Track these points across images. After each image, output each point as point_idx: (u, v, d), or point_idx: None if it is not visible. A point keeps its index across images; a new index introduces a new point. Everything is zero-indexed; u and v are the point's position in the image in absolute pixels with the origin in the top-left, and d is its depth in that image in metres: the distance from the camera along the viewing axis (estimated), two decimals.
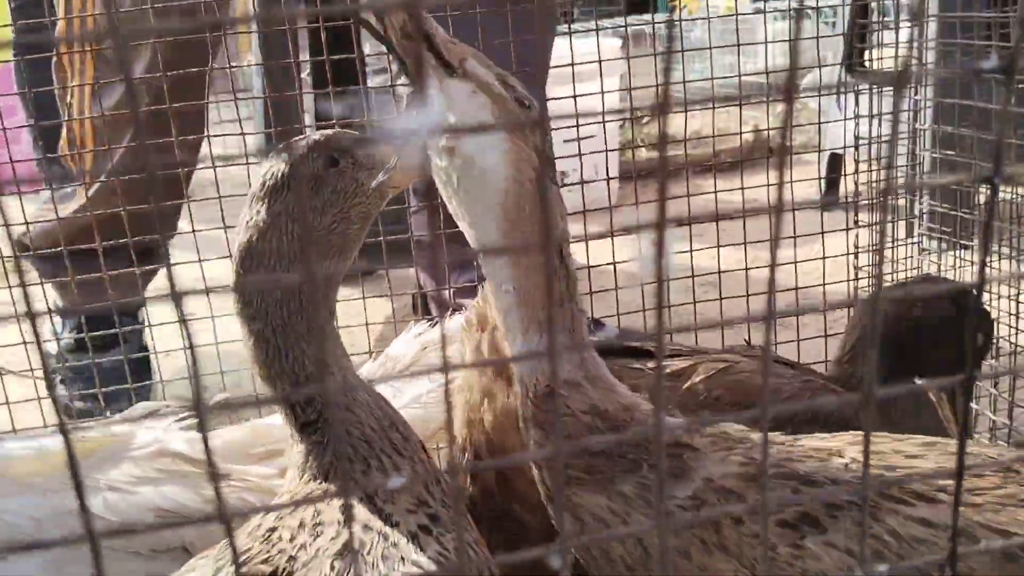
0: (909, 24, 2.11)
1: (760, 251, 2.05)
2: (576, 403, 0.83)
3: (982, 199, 1.96)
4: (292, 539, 0.81)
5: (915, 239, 2.19)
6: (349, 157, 0.86)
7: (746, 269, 1.92)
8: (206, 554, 0.85)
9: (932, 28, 2.05)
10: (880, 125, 1.97)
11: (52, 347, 2.02)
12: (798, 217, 1.85)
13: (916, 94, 2.03)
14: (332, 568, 0.76)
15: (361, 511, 0.82)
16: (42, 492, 1.03)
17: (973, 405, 1.76)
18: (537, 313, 0.82)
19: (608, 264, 1.93)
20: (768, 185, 2.02)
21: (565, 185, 2.38)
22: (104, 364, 1.67)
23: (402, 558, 0.78)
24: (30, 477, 1.06)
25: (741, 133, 2.35)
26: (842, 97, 2.24)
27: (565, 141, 2.10)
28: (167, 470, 1.08)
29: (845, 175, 2.43)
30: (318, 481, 0.86)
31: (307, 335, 0.85)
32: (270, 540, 0.82)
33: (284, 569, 0.79)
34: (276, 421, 1.18)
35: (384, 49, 0.88)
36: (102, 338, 1.76)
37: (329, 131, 0.90)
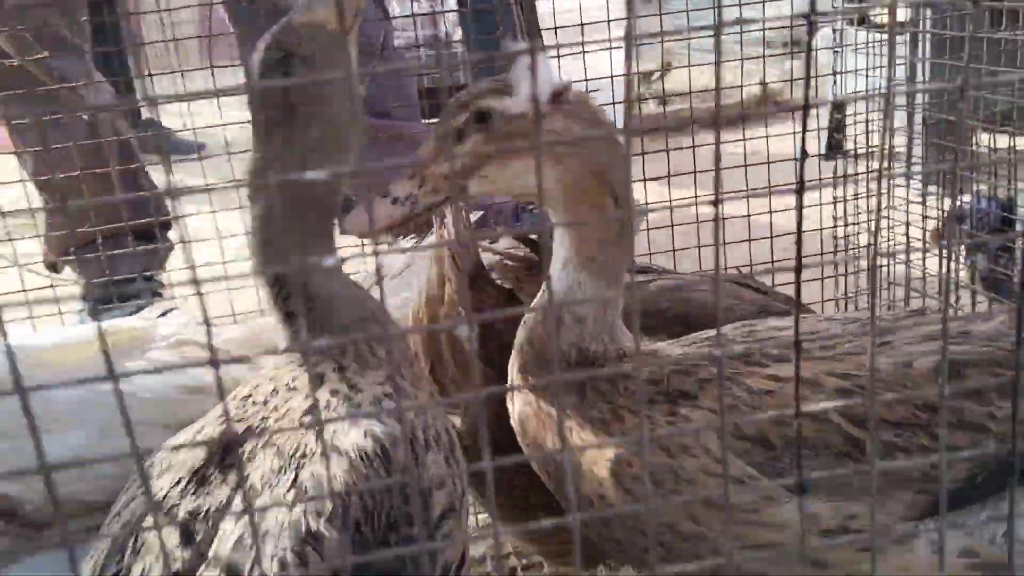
0: None
1: (759, 200, 2.12)
2: (566, 336, 0.94)
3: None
4: (266, 402, 0.92)
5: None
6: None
7: (747, 216, 2.00)
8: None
9: None
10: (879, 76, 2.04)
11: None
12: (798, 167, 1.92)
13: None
14: (300, 424, 0.86)
15: (332, 379, 0.91)
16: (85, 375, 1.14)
17: None
18: (577, 251, 0.92)
19: None
20: (767, 137, 2.11)
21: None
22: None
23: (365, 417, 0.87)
24: (68, 364, 1.18)
25: (743, 86, 2.41)
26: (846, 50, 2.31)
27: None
28: (188, 356, 1.19)
29: (845, 126, 2.50)
30: (297, 363, 0.95)
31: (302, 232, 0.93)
32: (245, 405, 0.93)
33: (257, 426, 0.89)
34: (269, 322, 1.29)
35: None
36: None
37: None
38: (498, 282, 1.26)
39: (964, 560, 0.83)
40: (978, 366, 0.85)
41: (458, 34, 3.35)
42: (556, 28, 2.08)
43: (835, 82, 2.60)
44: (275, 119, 0.89)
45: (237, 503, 0.82)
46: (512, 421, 1.00)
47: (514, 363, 1.00)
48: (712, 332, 0.99)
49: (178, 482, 0.86)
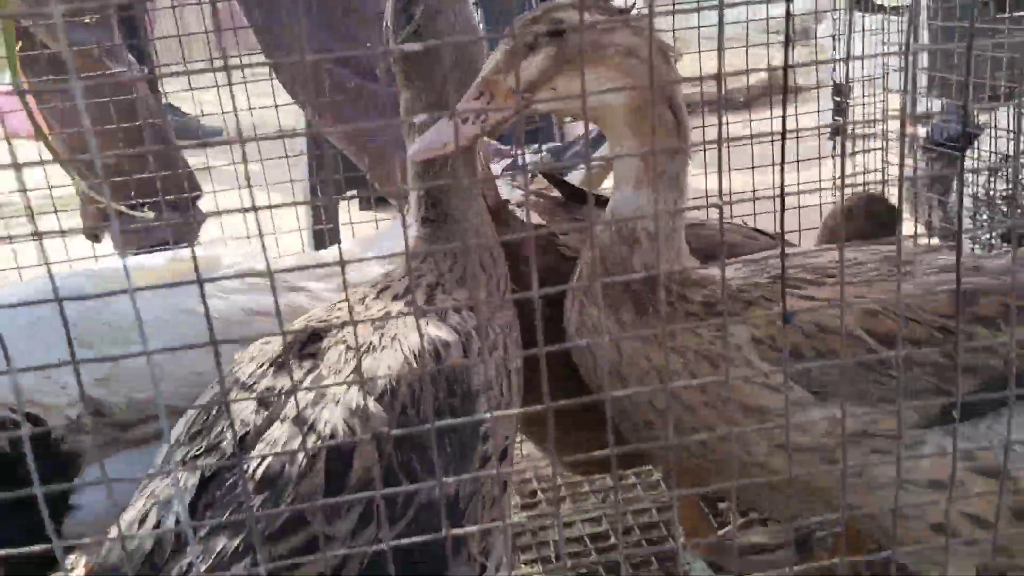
0: None
1: (763, 175, 2.24)
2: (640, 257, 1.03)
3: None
4: (355, 309, 1.03)
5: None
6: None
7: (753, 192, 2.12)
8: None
9: None
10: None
11: None
12: (803, 144, 2.05)
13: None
14: (373, 324, 0.97)
15: (419, 294, 1.02)
16: (160, 296, 1.22)
17: None
18: (646, 166, 1.01)
19: None
20: (772, 118, 2.22)
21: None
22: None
23: (426, 323, 0.98)
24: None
25: (748, 71, 2.52)
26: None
27: None
28: (251, 283, 1.29)
29: (845, 109, 2.61)
30: (393, 277, 1.07)
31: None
32: (331, 310, 1.04)
33: (337, 327, 0.99)
34: (325, 255, 1.40)
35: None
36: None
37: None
38: (521, 218, 1.34)
39: (964, 463, 0.94)
40: (988, 295, 0.97)
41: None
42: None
43: (835, 68, 2.72)
44: (414, 66, 0.99)
45: (308, 384, 0.93)
46: (569, 330, 1.09)
47: (580, 279, 1.08)
48: (753, 256, 1.09)
49: (261, 366, 0.97)
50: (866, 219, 1.66)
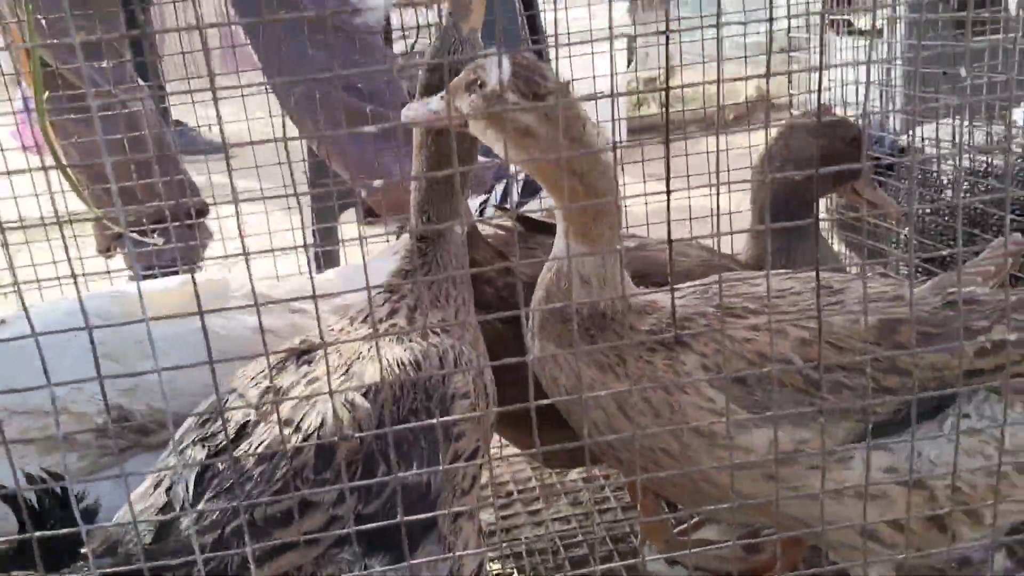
0: None
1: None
2: (578, 295, 1.17)
3: None
4: (341, 329, 1.18)
5: None
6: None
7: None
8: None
9: None
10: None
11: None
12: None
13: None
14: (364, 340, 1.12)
15: (402, 315, 1.18)
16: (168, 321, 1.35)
17: None
18: (568, 226, 1.15)
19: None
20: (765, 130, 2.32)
21: None
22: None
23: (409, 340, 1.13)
24: (159, 309, 1.39)
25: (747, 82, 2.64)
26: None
27: None
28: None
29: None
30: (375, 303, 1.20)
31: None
32: (326, 332, 1.19)
33: (328, 344, 1.12)
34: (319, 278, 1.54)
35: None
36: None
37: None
38: (490, 242, 1.49)
39: (887, 475, 1.06)
40: (906, 324, 1.08)
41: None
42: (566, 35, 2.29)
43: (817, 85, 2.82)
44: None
45: (300, 387, 1.06)
46: (531, 363, 1.22)
47: (534, 317, 1.22)
48: (699, 283, 1.21)
49: (262, 371, 1.11)
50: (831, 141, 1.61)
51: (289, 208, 2.47)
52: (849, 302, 1.13)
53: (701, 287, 1.23)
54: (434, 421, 0.94)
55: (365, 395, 1.03)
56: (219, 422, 1.03)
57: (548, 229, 1.49)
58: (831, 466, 1.07)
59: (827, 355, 1.07)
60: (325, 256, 2.47)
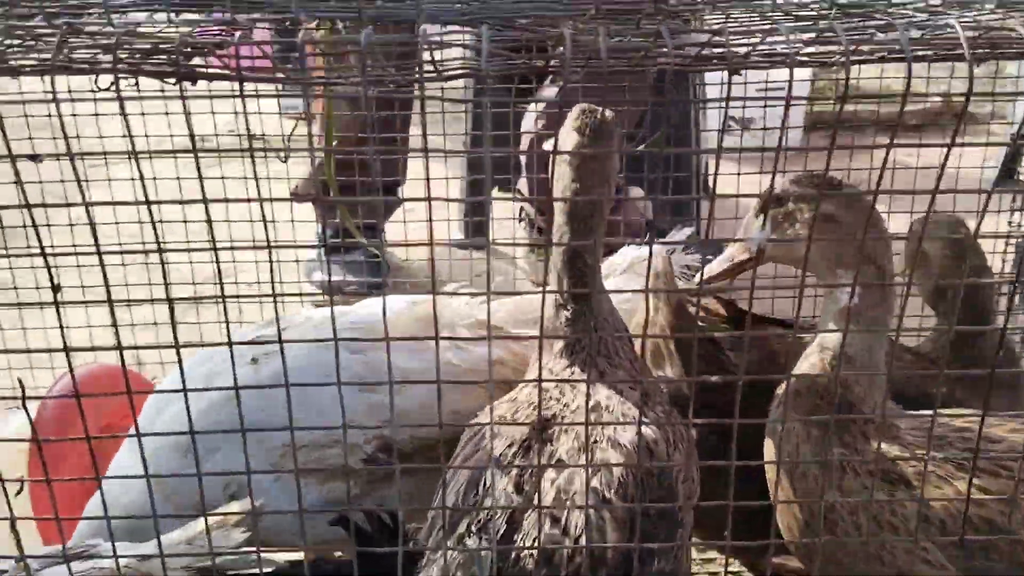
0: None
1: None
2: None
3: None
4: (560, 396, 1.24)
5: None
6: None
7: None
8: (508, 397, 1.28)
9: None
10: None
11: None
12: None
13: None
14: (591, 420, 1.18)
15: (601, 387, 1.23)
16: (407, 350, 1.47)
17: None
18: (841, 310, 1.16)
19: None
20: (949, 146, 2.16)
21: (749, 129, 2.67)
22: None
23: (637, 415, 1.16)
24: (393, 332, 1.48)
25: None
26: None
27: (757, 89, 2.28)
28: (481, 331, 1.52)
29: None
30: (568, 361, 1.26)
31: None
32: (546, 395, 1.24)
33: (557, 414, 1.22)
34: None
35: None
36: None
37: None
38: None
39: None
40: None
41: None
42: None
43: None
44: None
45: (551, 472, 1.16)
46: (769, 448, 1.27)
47: (788, 388, 1.24)
48: (919, 416, 1.25)
49: (510, 445, 1.20)
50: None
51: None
52: None
53: (920, 420, 1.26)
54: (672, 505, 1.03)
55: (616, 490, 1.13)
56: (481, 514, 1.15)
57: (760, 321, 1.55)
58: None
59: None
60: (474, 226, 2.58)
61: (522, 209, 2.64)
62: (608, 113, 1.22)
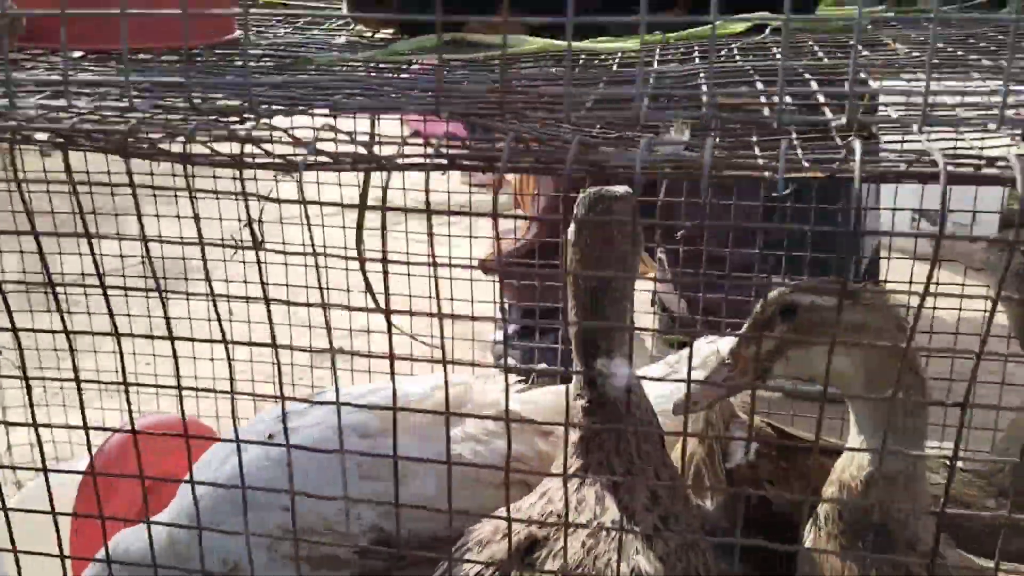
0: None
1: None
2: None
3: None
4: (559, 516, 1.05)
5: None
6: None
7: None
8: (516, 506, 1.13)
9: None
10: None
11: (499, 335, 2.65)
12: None
13: None
14: (583, 544, 1.02)
15: (611, 502, 1.06)
16: (420, 438, 1.34)
17: None
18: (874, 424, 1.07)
19: None
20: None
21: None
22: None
23: (635, 550, 1.01)
24: (408, 420, 1.38)
25: None
26: None
27: None
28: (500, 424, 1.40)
29: None
30: (585, 453, 1.08)
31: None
32: (545, 509, 1.07)
33: (552, 535, 1.04)
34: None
35: None
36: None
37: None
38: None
39: None
40: None
41: None
42: None
43: None
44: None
45: None
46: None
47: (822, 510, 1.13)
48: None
49: (488, 565, 1.03)
50: None
51: None
52: None
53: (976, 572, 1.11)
54: None
55: None
56: None
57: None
58: None
59: None
60: None
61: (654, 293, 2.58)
62: (619, 188, 1.15)
